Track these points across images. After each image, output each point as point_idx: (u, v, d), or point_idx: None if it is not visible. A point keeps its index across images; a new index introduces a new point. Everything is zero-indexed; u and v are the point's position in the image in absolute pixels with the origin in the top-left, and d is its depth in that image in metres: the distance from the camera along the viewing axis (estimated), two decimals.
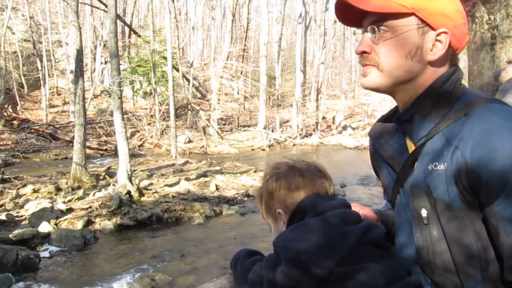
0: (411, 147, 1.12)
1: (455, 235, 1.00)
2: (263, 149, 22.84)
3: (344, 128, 30.27)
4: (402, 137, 1.15)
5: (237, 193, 12.10)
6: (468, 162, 0.94)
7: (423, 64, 1.05)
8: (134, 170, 13.08)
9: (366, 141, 25.97)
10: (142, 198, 10.62)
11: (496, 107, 1.00)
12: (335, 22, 36.57)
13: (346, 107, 35.94)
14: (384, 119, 1.23)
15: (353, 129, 30.35)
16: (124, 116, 11.84)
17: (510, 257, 0.92)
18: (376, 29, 1.04)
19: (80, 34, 12.53)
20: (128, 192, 10.24)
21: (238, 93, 30.28)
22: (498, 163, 0.90)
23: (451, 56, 1.07)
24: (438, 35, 1.03)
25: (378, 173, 1.28)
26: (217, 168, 15.46)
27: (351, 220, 1.13)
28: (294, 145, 24.80)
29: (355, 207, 1.26)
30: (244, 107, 30.51)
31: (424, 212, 1.04)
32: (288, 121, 28.83)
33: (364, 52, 1.08)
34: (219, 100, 25.17)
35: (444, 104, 1.06)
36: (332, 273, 1.02)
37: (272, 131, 26.00)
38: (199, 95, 29.27)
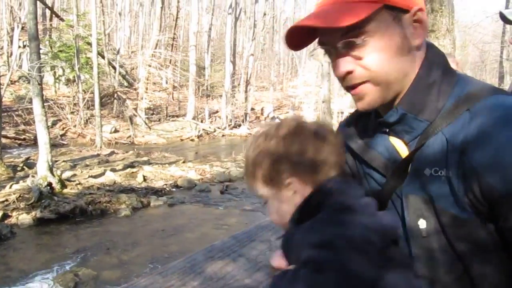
0: (399, 147, 0.96)
1: (463, 249, 0.85)
2: (192, 140, 22.69)
3: (272, 119, 30.70)
4: (385, 137, 0.99)
5: (166, 184, 11.93)
6: (479, 170, 0.80)
7: (413, 53, 0.93)
8: (56, 161, 12.45)
9: None
10: (65, 190, 10.15)
11: (506, 102, 0.85)
12: (264, 14, 36.87)
13: (275, 99, 36.50)
14: (356, 119, 1.08)
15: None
16: (45, 104, 11.21)
17: None
18: (355, 40, 0.89)
19: None
20: (49, 184, 9.74)
21: (166, 83, 29.68)
22: None
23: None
24: (414, 15, 0.91)
25: (362, 180, 1.06)
26: (145, 158, 15.12)
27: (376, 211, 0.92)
28: (223, 135, 24.84)
29: None
30: (172, 97, 29.97)
31: (422, 223, 0.89)
32: (217, 111, 28.76)
33: (349, 72, 0.91)
34: (147, 89, 24.53)
35: (436, 96, 0.92)
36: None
37: (201, 121, 25.83)
38: (126, 84, 28.34)
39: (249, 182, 1.03)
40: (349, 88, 0.94)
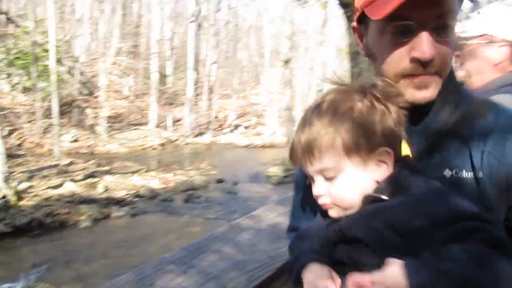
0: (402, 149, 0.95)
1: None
2: (155, 148, 22.41)
3: (236, 127, 30.79)
4: None
5: (128, 194, 11.73)
6: (510, 169, 0.84)
7: None
8: (12, 172, 12.02)
9: (256, 140, 26.66)
10: (21, 202, 9.82)
11: None
12: (227, 23, 37.01)
13: (238, 107, 36.54)
14: None
15: (245, 128, 31.01)
16: (0, 113, 10.83)
17: None
18: (451, 24, 0.85)
19: None
20: (4, 196, 9.40)
21: (128, 91, 29.27)
22: None
23: None
24: None
25: None
26: (106, 168, 14.82)
27: None
28: (186, 144, 24.65)
29: None
30: (135, 105, 29.58)
31: None
32: (180, 119, 28.55)
33: (434, 57, 0.85)
34: (108, 97, 24.11)
35: (451, 100, 0.93)
36: None
37: (164, 129, 25.58)
38: (86, 92, 27.77)
39: (317, 151, 0.86)
40: (416, 75, 0.87)
